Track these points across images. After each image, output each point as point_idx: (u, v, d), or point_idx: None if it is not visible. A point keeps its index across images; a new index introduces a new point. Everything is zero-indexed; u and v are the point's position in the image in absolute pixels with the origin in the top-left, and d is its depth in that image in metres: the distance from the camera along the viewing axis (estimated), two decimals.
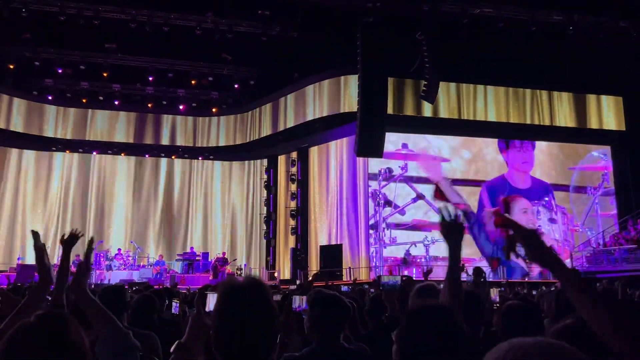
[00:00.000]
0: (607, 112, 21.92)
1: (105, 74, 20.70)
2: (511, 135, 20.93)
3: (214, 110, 23.66)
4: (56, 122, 22.60)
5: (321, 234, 20.67)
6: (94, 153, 23.24)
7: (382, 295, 4.18)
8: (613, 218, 20.80)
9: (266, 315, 1.57)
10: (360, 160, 19.39)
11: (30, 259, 20.57)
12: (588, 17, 17.54)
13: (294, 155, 22.08)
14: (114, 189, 23.27)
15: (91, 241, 2.53)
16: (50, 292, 2.87)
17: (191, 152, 24.08)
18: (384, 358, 2.96)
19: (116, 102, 22.61)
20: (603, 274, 16.74)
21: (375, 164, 19.45)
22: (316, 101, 21.10)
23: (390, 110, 17.48)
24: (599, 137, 21.61)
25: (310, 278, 7.23)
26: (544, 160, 21.15)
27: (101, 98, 22.39)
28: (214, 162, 24.29)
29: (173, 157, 23.99)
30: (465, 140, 20.73)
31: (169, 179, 23.87)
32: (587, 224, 20.62)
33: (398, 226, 19.47)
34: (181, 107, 23.10)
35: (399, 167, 19.62)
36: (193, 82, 21.71)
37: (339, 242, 19.66)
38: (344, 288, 11.53)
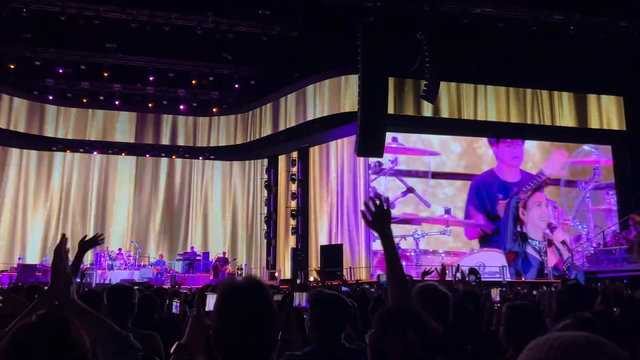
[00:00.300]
0: (608, 112, 21.92)
1: (105, 74, 20.70)
2: (512, 135, 20.94)
3: (214, 110, 23.67)
4: (57, 122, 22.61)
5: (321, 234, 20.68)
6: (95, 153, 23.25)
7: (382, 295, 4.19)
8: (604, 213, 20.77)
9: (266, 314, 1.57)
10: (360, 160, 19.39)
11: (31, 259, 20.61)
12: (589, 17, 17.52)
13: (295, 155, 22.09)
14: (115, 188, 23.28)
15: (84, 247, 2.55)
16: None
17: (192, 152, 24.08)
18: None
19: (117, 102, 22.62)
20: (604, 273, 16.75)
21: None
22: (316, 101, 21.10)
23: (390, 110, 17.47)
24: (600, 136, 21.60)
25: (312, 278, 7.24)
26: (534, 153, 21.12)
27: (102, 98, 22.40)
28: (214, 162, 24.30)
29: (173, 157, 23.99)
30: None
31: (170, 178, 23.88)
32: (578, 218, 20.60)
33: None
34: (182, 107, 23.11)
35: (389, 160, 19.66)
36: (193, 82, 21.71)
37: (339, 242, 19.66)
38: (344, 288, 11.52)
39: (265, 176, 22.99)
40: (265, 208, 22.81)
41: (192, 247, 21.76)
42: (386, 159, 19.44)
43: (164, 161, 23.97)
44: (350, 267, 18.71)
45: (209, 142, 23.97)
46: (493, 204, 20.07)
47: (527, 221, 20.14)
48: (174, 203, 23.69)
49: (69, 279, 2.03)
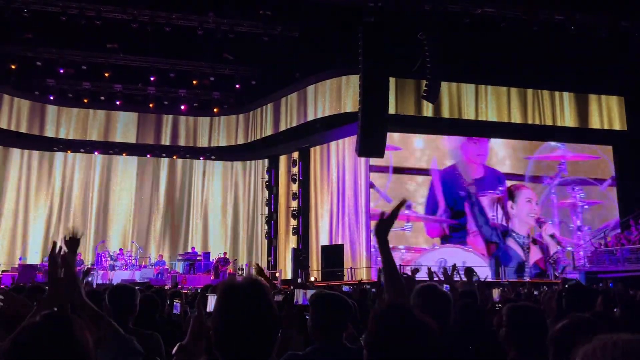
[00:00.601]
0: (609, 112, 21.91)
1: (106, 74, 20.73)
2: (512, 135, 20.93)
3: (215, 110, 23.68)
4: (58, 122, 22.63)
5: (322, 234, 20.68)
6: (96, 153, 23.27)
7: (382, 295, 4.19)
8: (569, 208, 20.67)
9: (266, 315, 1.57)
10: (361, 161, 19.39)
11: (32, 259, 20.64)
12: (590, 17, 17.51)
13: (295, 155, 22.09)
14: (116, 189, 23.30)
15: (70, 248, 2.56)
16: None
17: (192, 152, 24.10)
18: None
19: (118, 102, 22.64)
20: (605, 274, 16.74)
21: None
22: (317, 101, 21.11)
23: (391, 110, 17.47)
24: (601, 137, 21.58)
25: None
26: (498, 150, 20.94)
27: (103, 98, 22.43)
28: (215, 162, 24.31)
29: (174, 157, 24.01)
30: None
31: (171, 179, 23.89)
32: (543, 213, 20.47)
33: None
34: (182, 107, 23.12)
35: None
36: (194, 82, 21.73)
37: (339, 242, 19.67)
38: (345, 288, 11.54)
39: (266, 176, 22.99)
40: (266, 208, 22.82)
41: (192, 248, 21.78)
42: None
43: (164, 161, 23.99)
44: (351, 268, 18.71)
45: (209, 143, 23.98)
46: (455, 200, 19.82)
47: (513, 215, 20.04)
48: (175, 203, 23.70)
49: (72, 283, 2.03)
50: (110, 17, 17.49)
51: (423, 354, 1.54)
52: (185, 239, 23.39)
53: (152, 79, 21.31)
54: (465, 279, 5.13)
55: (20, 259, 20.21)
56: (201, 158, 24.17)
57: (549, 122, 21.38)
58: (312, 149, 21.70)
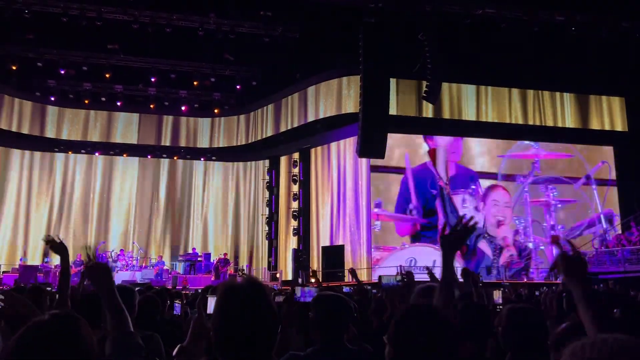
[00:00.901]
0: (610, 113, 21.90)
1: (107, 75, 20.74)
2: (513, 136, 20.92)
3: (216, 111, 23.69)
4: (58, 123, 22.65)
5: (323, 235, 20.68)
6: (96, 154, 23.29)
7: (384, 296, 4.20)
8: (543, 207, 20.56)
9: (266, 315, 1.58)
10: (362, 161, 19.39)
11: (33, 259, 20.65)
12: (590, 18, 17.51)
13: (296, 156, 22.09)
14: (116, 190, 23.32)
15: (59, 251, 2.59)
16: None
17: (193, 153, 24.11)
18: (384, 357, 2.97)
19: (118, 103, 22.65)
20: (606, 274, 16.73)
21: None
22: (318, 102, 21.12)
23: (392, 111, 17.47)
24: (602, 137, 21.57)
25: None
26: (471, 148, 20.72)
27: (103, 99, 22.44)
28: (215, 163, 24.32)
29: (175, 158, 24.02)
30: None
31: (171, 180, 23.90)
32: (516, 212, 20.32)
33: None
34: (183, 108, 23.13)
35: None
36: (195, 83, 21.74)
37: (340, 243, 19.66)
38: (345, 289, 11.52)
39: (267, 177, 22.99)
40: (267, 209, 22.81)
41: (193, 248, 21.78)
42: None
43: (165, 162, 24.00)
44: (351, 268, 18.68)
45: (210, 143, 24.01)
46: (427, 199, 19.58)
47: (486, 218, 19.96)
48: (176, 204, 23.71)
49: (99, 269, 2.05)
50: (111, 17, 17.51)
51: (446, 351, 1.58)
52: (186, 240, 23.40)
53: (152, 79, 21.32)
54: (462, 280, 5.14)
55: (21, 259, 20.22)
56: (202, 159, 24.18)
57: (549, 123, 21.38)
58: (312, 150, 21.70)
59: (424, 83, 17.10)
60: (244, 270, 21.15)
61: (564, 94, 21.66)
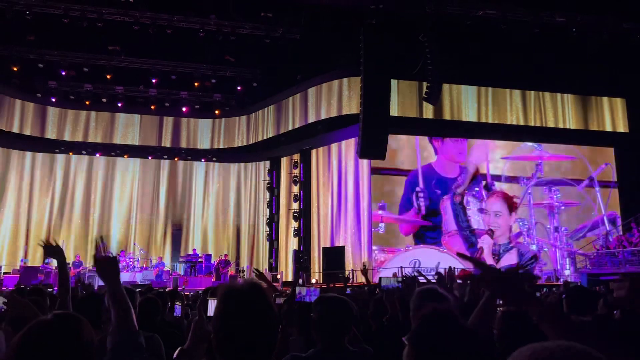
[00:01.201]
0: (610, 114, 21.89)
1: (108, 76, 20.77)
2: (514, 137, 20.92)
3: (216, 112, 23.71)
4: (59, 124, 22.69)
5: (323, 236, 20.68)
6: (97, 155, 23.31)
7: (384, 297, 4.19)
8: (546, 209, 20.55)
9: (266, 318, 1.58)
10: (363, 163, 19.40)
11: (33, 261, 20.65)
12: (591, 19, 17.51)
13: (297, 157, 22.10)
14: (117, 191, 23.33)
15: (55, 253, 2.59)
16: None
17: (194, 154, 24.13)
18: (385, 358, 2.97)
19: (119, 104, 22.67)
20: (606, 276, 16.71)
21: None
22: (319, 103, 21.14)
23: (392, 112, 17.48)
24: (602, 139, 21.56)
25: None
26: (475, 149, 20.61)
27: (104, 100, 22.46)
28: (216, 164, 24.34)
29: (176, 159, 24.04)
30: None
31: (172, 181, 23.92)
32: (519, 214, 20.29)
33: None
34: (184, 109, 23.15)
35: None
36: (196, 84, 21.76)
37: (341, 244, 19.65)
38: (346, 291, 11.51)
39: (267, 178, 22.99)
40: (267, 210, 22.81)
41: (194, 250, 21.78)
42: None
43: (166, 163, 24.02)
44: (352, 270, 18.69)
45: (211, 144, 24.03)
46: (431, 199, 19.55)
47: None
48: (176, 205, 23.73)
49: (108, 262, 2.03)
50: (112, 19, 17.53)
51: (464, 357, 1.61)
52: (187, 241, 23.41)
53: (153, 81, 21.34)
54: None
55: (22, 260, 20.23)
56: (202, 160, 24.19)
57: (550, 124, 21.37)
58: (313, 151, 21.71)
59: (425, 84, 17.11)
60: (258, 269, 21.16)
61: (565, 95, 21.66)
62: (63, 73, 20.69)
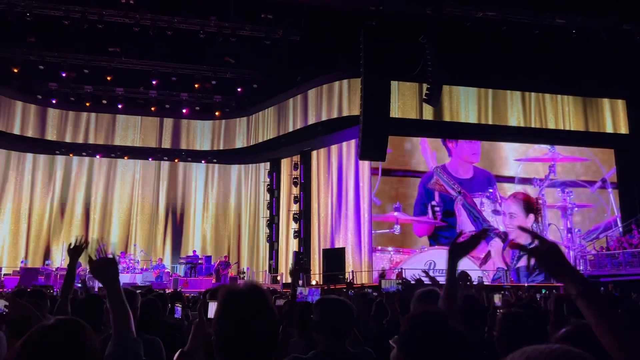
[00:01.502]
0: (611, 115, 21.89)
1: (109, 78, 20.79)
2: (514, 138, 20.92)
3: (217, 113, 23.73)
4: (60, 125, 22.70)
5: (324, 237, 20.67)
6: (98, 156, 23.32)
7: (384, 300, 4.20)
8: (560, 210, 20.55)
9: (267, 320, 1.58)
10: (364, 164, 19.40)
11: (33, 262, 20.65)
12: (591, 20, 17.52)
13: (297, 158, 22.10)
14: (117, 192, 23.34)
15: (74, 254, 2.60)
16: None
17: (194, 156, 24.14)
18: None
19: (120, 106, 22.68)
20: (607, 277, 16.71)
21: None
22: (319, 104, 21.15)
23: (393, 114, 17.49)
24: (603, 140, 21.56)
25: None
26: (489, 151, 20.74)
27: (105, 102, 22.48)
28: (216, 166, 24.35)
29: (176, 160, 24.05)
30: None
31: (172, 182, 23.93)
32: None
33: None
34: (184, 110, 23.17)
35: None
36: (196, 85, 21.78)
37: (341, 246, 19.65)
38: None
39: (268, 179, 23.00)
40: (268, 211, 22.81)
41: (194, 251, 21.75)
42: None
43: (166, 165, 24.03)
44: (352, 271, 18.70)
45: (211, 146, 24.04)
46: (445, 200, 19.61)
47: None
48: (177, 206, 23.73)
49: (106, 263, 2.01)
50: (112, 20, 17.55)
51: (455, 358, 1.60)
52: (187, 242, 23.41)
53: (154, 82, 21.37)
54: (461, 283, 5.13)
55: (22, 262, 20.22)
56: (203, 161, 24.20)
57: (550, 125, 21.37)
58: (313, 152, 21.71)
59: (425, 86, 17.11)
60: (244, 272, 21.16)
61: (565, 96, 21.65)
62: (63, 74, 20.72)
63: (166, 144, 23.69)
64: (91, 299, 3.62)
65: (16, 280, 16.97)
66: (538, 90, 21.30)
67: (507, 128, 20.98)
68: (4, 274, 18.78)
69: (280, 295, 6.45)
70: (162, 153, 23.84)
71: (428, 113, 20.19)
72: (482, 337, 3.31)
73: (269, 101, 22.92)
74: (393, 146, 19.59)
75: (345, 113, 20.25)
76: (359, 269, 19.07)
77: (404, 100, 20.32)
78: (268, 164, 23.20)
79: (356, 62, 15.86)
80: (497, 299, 5.93)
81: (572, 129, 21.48)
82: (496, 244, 19.41)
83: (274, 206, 22.59)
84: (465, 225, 19.40)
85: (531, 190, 20.44)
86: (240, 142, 24.05)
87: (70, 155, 23.08)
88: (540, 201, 20.16)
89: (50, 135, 22.56)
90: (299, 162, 21.93)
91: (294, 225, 21.46)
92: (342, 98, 20.49)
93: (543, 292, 12.27)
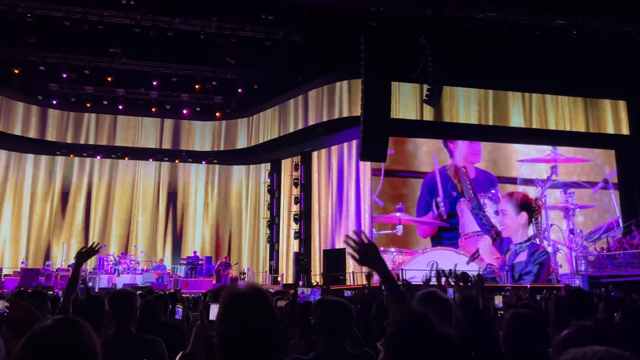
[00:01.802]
0: (611, 116, 21.88)
1: (109, 79, 20.79)
2: (514, 139, 20.91)
3: (217, 114, 23.73)
4: (60, 126, 22.71)
5: (324, 238, 20.67)
6: (98, 157, 23.33)
7: (385, 301, 4.19)
8: (562, 211, 20.55)
9: (268, 321, 1.58)
10: (365, 165, 19.39)
11: (33, 263, 20.67)
12: (592, 21, 17.51)
13: (297, 159, 22.10)
14: (118, 193, 23.34)
15: (82, 258, 2.61)
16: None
17: (194, 156, 24.14)
18: None
19: (120, 107, 22.69)
20: (607, 278, 16.71)
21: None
22: (320, 105, 21.14)
23: (393, 115, 17.48)
24: (604, 141, 21.55)
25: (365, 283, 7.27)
26: (491, 152, 20.70)
27: (105, 102, 22.49)
28: (217, 166, 24.35)
29: (177, 161, 24.06)
30: None
31: (173, 183, 23.93)
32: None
33: None
34: (185, 111, 23.17)
35: None
36: (197, 86, 21.78)
37: (341, 247, 19.63)
38: (347, 293, 11.53)
39: (268, 180, 23.00)
40: (268, 212, 22.81)
41: (194, 252, 21.75)
42: None
43: (166, 165, 24.04)
44: (352, 272, 18.68)
45: (212, 147, 24.04)
46: (447, 202, 19.64)
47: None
48: (177, 207, 23.74)
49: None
50: (113, 21, 17.56)
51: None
52: (187, 243, 23.41)
53: (154, 83, 21.37)
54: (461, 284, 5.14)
55: (22, 262, 20.23)
56: (203, 162, 24.21)
57: (551, 126, 21.36)
58: (314, 153, 21.71)
59: (425, 86, 17.11)
60: (245, 273, 21.16)
61: (566, 97, 21.64)
62: (64, 75, 20.72)
63: (167, 144, 23.70)
64: (91, 299, 3.62)
65: (17, 281, 16.98)
66: (539, 91, 21.29)
67: (508, 129, 20.96)
68: (5, 275, 18.79)
69: (281, 297, 6.45)
70: (163, 154, 23.84)
71: (428, 114, 20.19)
72: (482, 338, 3.31)
73: (270, 102, 22.92)
74: (395, 147, 19.67)
75: (345, 114, 20.24)
76: (359, 270, 19.04)
77: (404, 101, 20.31)
78: (268, 164, 23.20)
79: (357, 63, 15.85)
80: (497, 299, 5.93)
81: (573, 129, 21.47)
82: (484, 241, 19.41)
83: (274, 207, 22.59)
84: (468, 227, 19.41)
85: (533, 192, 20.43)
86: (240, 143, 24.05)
87: (71, 156, 23.08)
88: (539, 202, 20.14)
89: (51, 136, 22.57)
90: (299, 163, 21.92)
91: (294, 226, 21.45)
92: (343, 99, 20.48)
93: (544, 292, 12.27)
